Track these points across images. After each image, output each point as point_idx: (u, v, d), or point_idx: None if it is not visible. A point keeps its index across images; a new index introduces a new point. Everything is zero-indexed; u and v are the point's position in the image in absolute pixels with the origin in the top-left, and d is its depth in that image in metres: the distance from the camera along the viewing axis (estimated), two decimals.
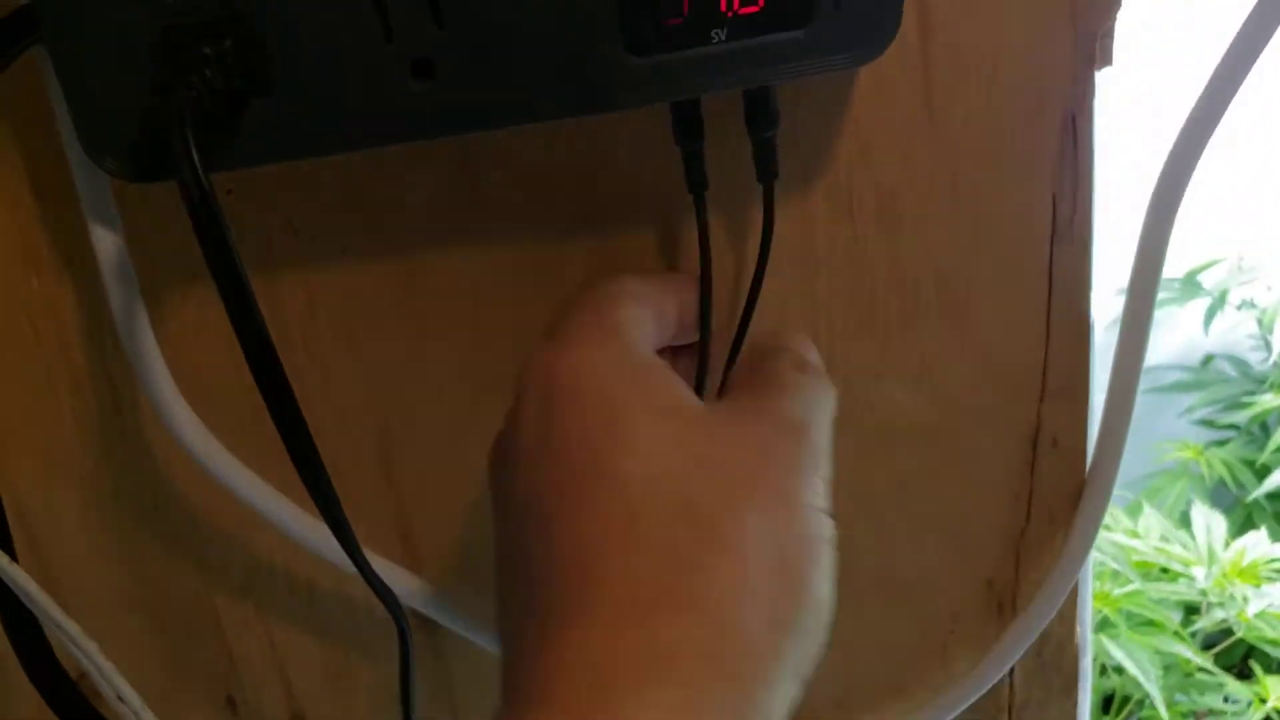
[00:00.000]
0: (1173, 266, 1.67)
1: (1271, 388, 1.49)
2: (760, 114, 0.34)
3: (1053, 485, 0.41)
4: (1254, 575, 1.15)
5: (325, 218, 0.37)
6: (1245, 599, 1.13)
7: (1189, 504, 1.47)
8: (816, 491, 0.29)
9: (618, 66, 0.31)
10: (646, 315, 0.32)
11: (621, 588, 0.25)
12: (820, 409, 0.32)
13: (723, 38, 0.31)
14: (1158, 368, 1.66)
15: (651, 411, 0.28)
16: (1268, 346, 1.60)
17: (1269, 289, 1.59)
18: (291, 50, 0.31)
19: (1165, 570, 1.21)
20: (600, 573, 0.26)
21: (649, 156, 0.36)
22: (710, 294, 0.35)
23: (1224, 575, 1.14)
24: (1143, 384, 0.39)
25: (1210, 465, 1.49)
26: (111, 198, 0.35)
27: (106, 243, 0.34)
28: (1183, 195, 0.36)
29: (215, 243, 0.29)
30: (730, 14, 0.31)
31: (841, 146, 0.36)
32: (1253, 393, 1.57)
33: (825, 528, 0.28)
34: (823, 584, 0.28)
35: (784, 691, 0.26)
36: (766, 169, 0.34)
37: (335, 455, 0.39)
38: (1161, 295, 1.55)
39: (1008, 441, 0.41)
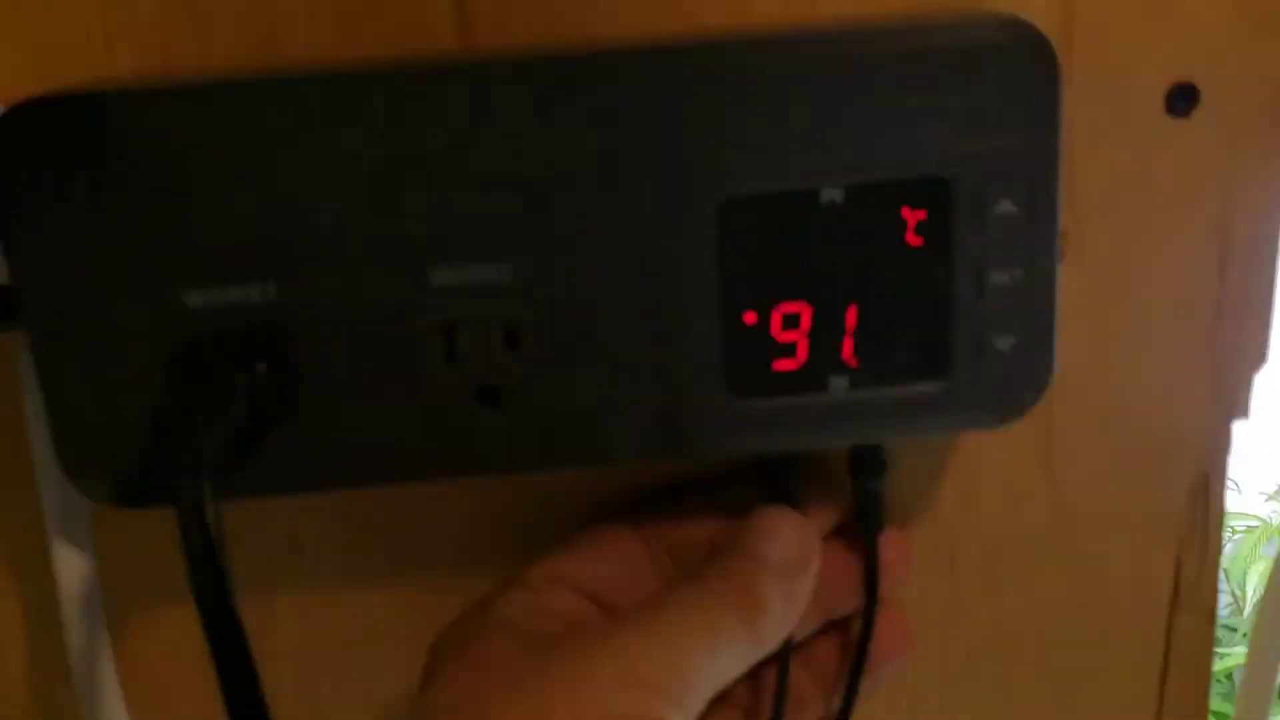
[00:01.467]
0: None
1: (1244, 638, 1.45)
2: (869, 465, 0.29)
3: None
4: None
5: (333, 535, 0.32)
6: None
7: None
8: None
9: (718, 410, 0.26)
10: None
11: None
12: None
13: (844, 387, 0.27)
14: None
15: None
16: (1232, 595, 1.57)
17: (1233, 537, 1.57)
18: (336, 367, 0.26)
19: None
20: None
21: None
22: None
23: None
24: None
25: None
26: (86, 514, 0.29)
27: (72, 568, 0.28)
28: None
29: (216, 614, 0.23)
30: (854, 362, 0.26)
31: (945, 492, 0.32)
32: (1219, 641, 1.53)
33: None
34: None
35: None
36: (871, 521, 0.30)
37: None
38: None
39: None
